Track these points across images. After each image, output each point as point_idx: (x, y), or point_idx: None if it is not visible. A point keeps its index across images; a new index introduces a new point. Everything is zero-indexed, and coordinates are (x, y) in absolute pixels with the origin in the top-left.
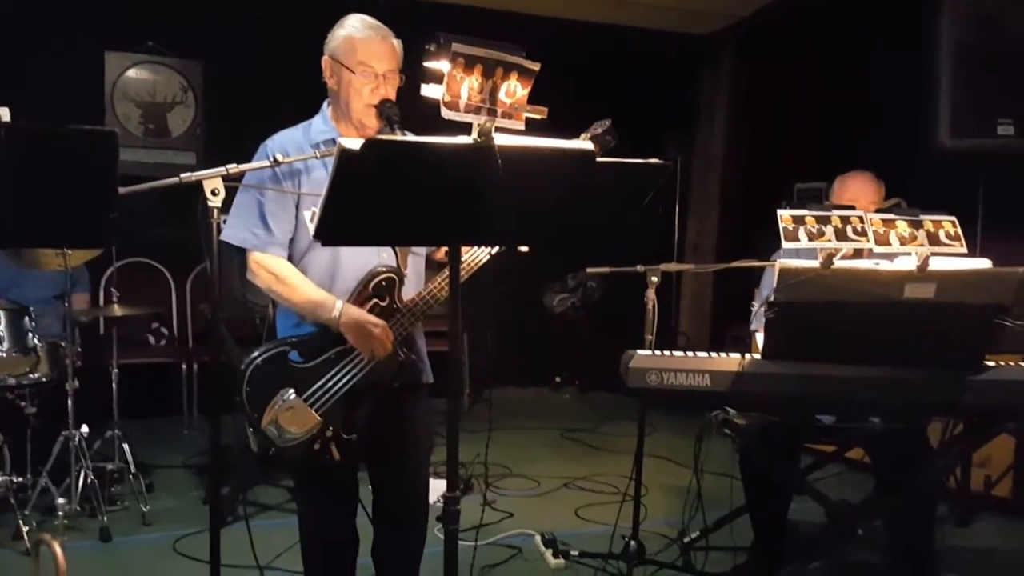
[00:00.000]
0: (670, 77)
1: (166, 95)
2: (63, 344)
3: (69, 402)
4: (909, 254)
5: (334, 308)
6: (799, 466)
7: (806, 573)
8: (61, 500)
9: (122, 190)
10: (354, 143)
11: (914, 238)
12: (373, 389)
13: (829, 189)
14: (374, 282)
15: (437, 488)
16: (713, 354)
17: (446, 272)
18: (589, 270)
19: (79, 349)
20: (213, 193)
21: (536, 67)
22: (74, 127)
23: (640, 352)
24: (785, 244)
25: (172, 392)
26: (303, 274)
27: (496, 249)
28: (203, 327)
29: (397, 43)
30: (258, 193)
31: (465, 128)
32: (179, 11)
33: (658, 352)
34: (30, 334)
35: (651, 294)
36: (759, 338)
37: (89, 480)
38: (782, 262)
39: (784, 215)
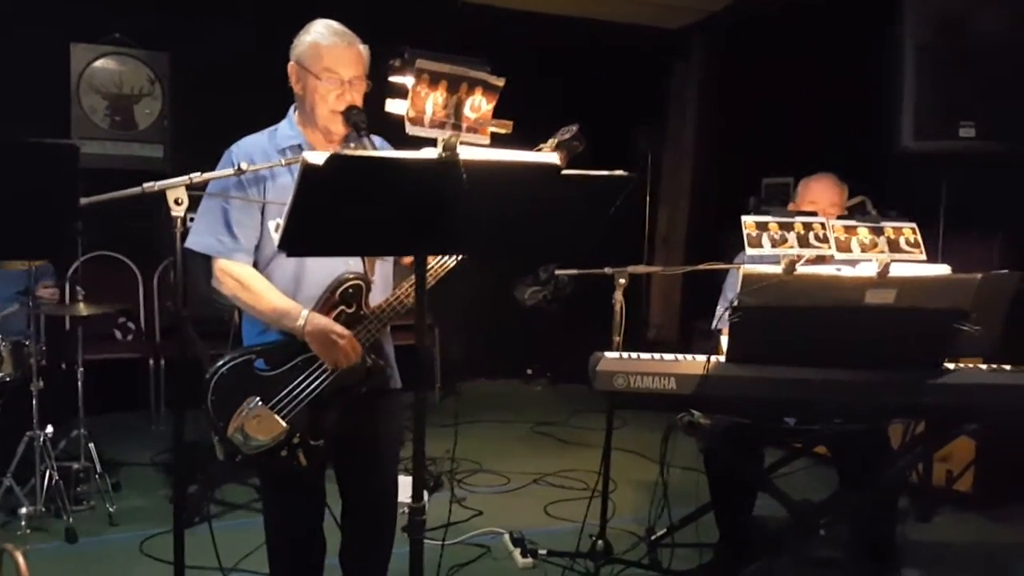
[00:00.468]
0: (642, 70)
1: (133, 87)
2: (27, 343)
3: (34, 403)
4: (870, 260)
5: (299, 317)
6: (763, 463)
7: (768, 571)
8: (24, 507)
9: (83, 201)
10: (318, 157)
11: (875, 245)
12: (341, 395)
13: (796, 185)
14: (341, 289)
15: (406, 485)
16: (679, 356)
17: (414, 278)
18: (558, 272)
19: (43, 347)
20: (176, 203)
21: (501, 82)
22: (35, 141)
23: (607, 354)
24: (748, 251)
25: (140, 387)
26: (268, 281)
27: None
28: (171, 322)
29: (364, 49)
30: (223, 199)
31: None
32: (146, 2)
33: (625, 355)
34: None
35: (618, 296)
36: (724, 340)
37: (54, 481)
38: (746, 267)
39: (748, 221)
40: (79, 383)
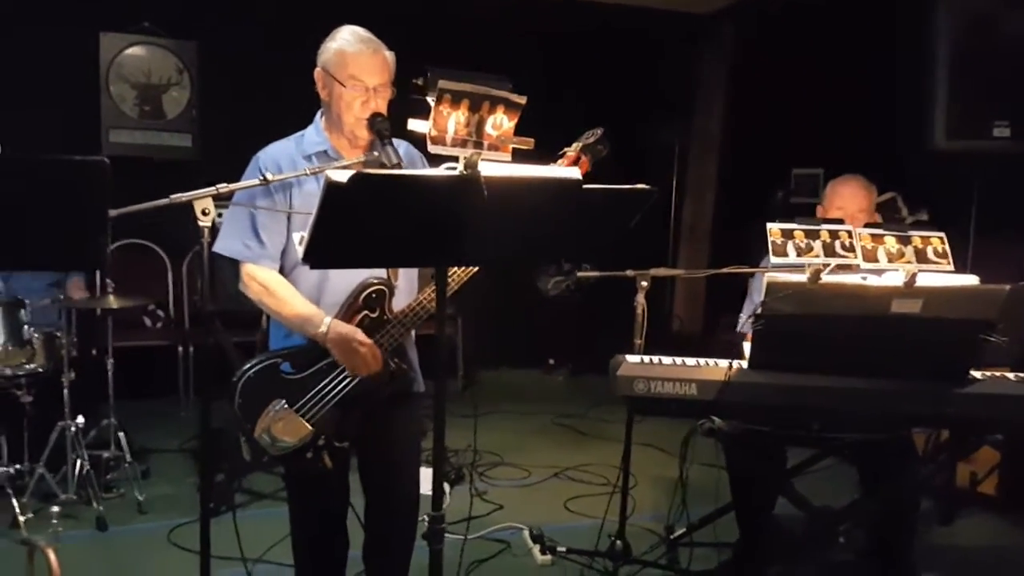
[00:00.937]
0: (669, 57)
1: (161, 76)
2: (59, 335)
3: (65, 393)
4: (897, 270)
5: (322, 324)
6: (786, 464)
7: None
8: (57, 496)
9: (113, 212)
10: (341, 175)
11: (902, 255)
12: (364, 398)
13: (825, 177)
14: (364, 294)
15: (427, 477)
16: (701, 361)
17: None
18: (579, 274)
19: (75, 339)
20: (204, 213)
21: (523, 100)
22: (66, 158)
23: (629, 358)
24: (773, 259)
25: (168, 374)
26: (293, 285)
27: None
28: (199, 317)
29: (390, 55)
30: (250, 204)
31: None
32: None
33: (646, 358)
34: (26, 327)
35: (640, 298)
36: (746, 346)
37: (85, 471)
38: (770, 275)
39: (773, 229)
40: (109, 373)
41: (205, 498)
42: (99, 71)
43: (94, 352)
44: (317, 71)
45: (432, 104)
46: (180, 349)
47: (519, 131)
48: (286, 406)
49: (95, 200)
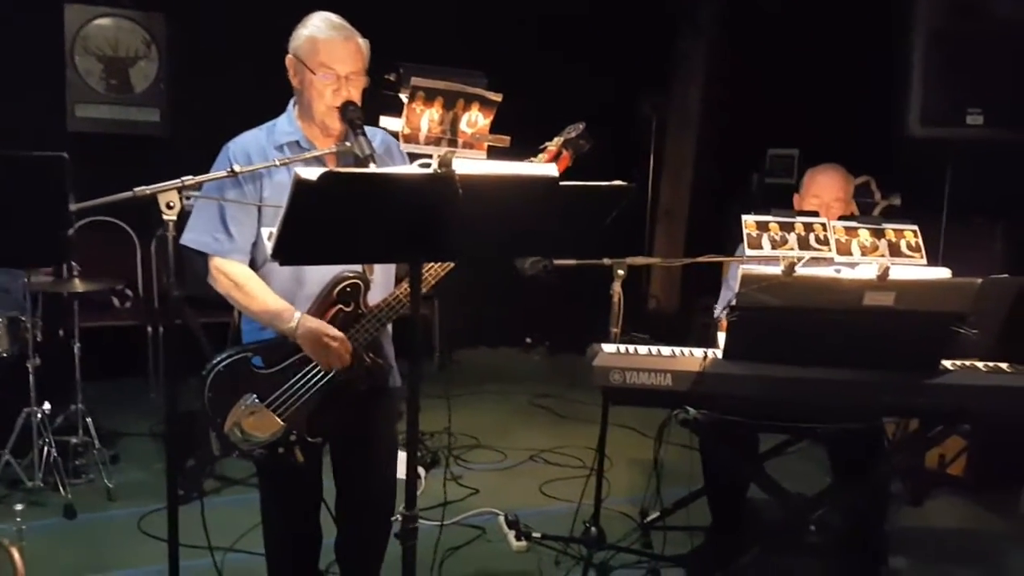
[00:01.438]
0: (649, 33)
1: (128, 49)
2: (23, 319)
3: (31, 379)
4: (870, 263)
5: (291, 319)
6: (759, 449)
7: (760, 562)
8: (23, 483)
9: (73, 207)
10: (310, 173)
11: (876, 248)
12: (338, 393)
13: (801, 157)
14: (338, 288)
15: (402, 461)
16: (676, 350)
17: None
18: (556, 261)
19: (40, 322)
20: (168, 206)
21: (498, 98)
22: (24, 154)
23: (605, 348)
24: (748, 251)
25: (138, 354)
26: (268, 278)
27: None
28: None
29: (363, 43)
30: (220, 195)
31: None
32: None
33: (622, 348)
34: None
35: (616, 287)
36: (720, 336)
37: (52, 458)
38: (745, 267)
39: (748, 221)
40: (76, 357)
41: (172, 490)
42: (64, 44)
43: (61, 334)
44: (288, 58)
45: (405, 101)
46: (149, 330)
47: (495, 128)
48: (257, 401)
49: (55, 195)
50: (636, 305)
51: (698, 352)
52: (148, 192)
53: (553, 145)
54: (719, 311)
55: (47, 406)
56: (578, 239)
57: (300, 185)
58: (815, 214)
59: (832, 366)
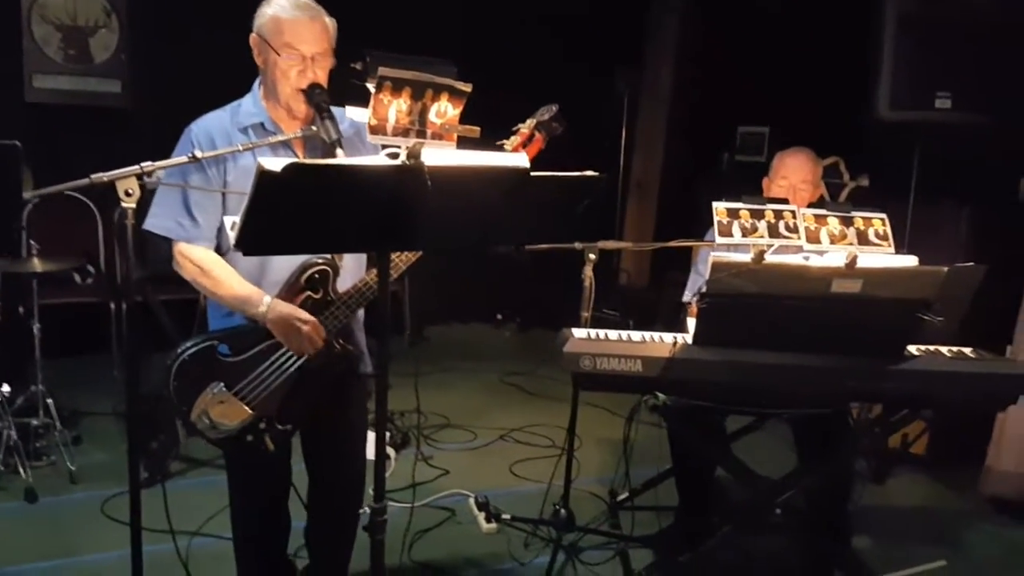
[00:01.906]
0: (622, 10)
1: (88, 18)
2: None
3: None
4: (839, 251)
5: (261, 303)
6: (725, 434)
7: (725, 541)
8: None
9: (27, 194)
10: (274, 164)
11: (844, 236)
12: (308, 381)
13: (771, 135)
14: (307, 274)
15: (372, 441)
16: (647, 336)
17: None
18: (527, 247)
19: None
20: (127, 194)
21: (468, 88)
22: None
23: (575, 333)
24: (718, 239)
25: (100, 331)
26: (233, 264)
27: None
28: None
29: (330, 22)
30: (183, 180)
31: None
32: None
33: (593, 333)
34: None
35: (588, 271)
36: (691, 322)
37: (12, 441)
38: (715, 254)
39: (719, 208)
40: (36, 339)
41: (134, 475)
42: (20, 12)
43: (21, 310)
44: (252, 37)
45: (372, 91)
46: (112, 306)
47: (468, 110)
48: (224, 389)
49: (8, 185)
50: (607, 280)
51: (668, 338)
52: (106, 179)
53: (526, 127)
54: (688, 296)
55: (6, 388)
56: (549, 227)
57: (264, 176)
58: (785, 200)
59: (800, 352)
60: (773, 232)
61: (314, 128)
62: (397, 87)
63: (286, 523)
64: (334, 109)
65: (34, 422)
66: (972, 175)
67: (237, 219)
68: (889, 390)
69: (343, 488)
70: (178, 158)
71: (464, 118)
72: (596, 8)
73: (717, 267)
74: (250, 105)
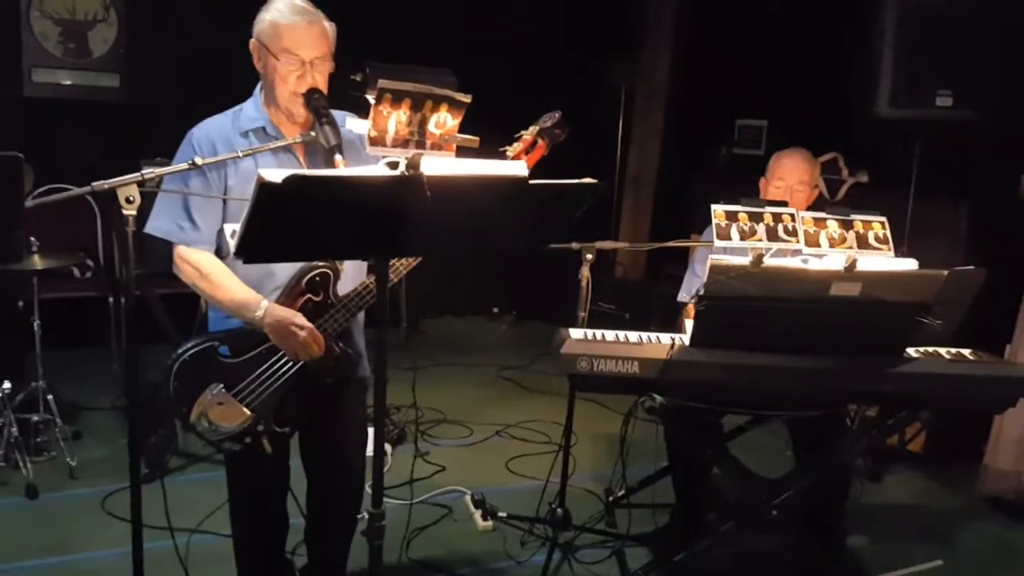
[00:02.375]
0: (618, 2)
1: (86, 12)
2: None
3: None
4: (839, 255)
5: (258, 308)
6: (722, 434)
7: (720, 542)
8: None
9: (29, 203)
10: (275, 175)
11: (844, 240)
12: (307, 383)
13: (769, 129)
14: (307, 278)
15: (370, 437)
16: (644, 336)
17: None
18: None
19: None
20: (128, 200)
21: (467, 99)
22: None
23: (572, 334)
24: (717, 242)
25: (99, 324)
26: (233, 267)
27: None
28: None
29: (329, 27)
30: (183, 184)
31: None
32: None
33: (589, 334)
34: None
35: (585, 271)
36: (688, 323)
37: (13, 438)
38: (713, 257)
39: (718, 211)
40: (36, 335)
41: (135, 476)
42: (19, 6)
43: (20, 305)
44: (252, 42)
45: (372, 103)
46: (111, 300)
47: (469, 116)
48: (224, 391)
49: (10, 195)
50: (603, 272)
51: (665, 339)
52: (107, 187)
53: (528, 134)
54: (685, 296)
55: (7, 385)
56: (547, 232)
57: (264, 187)
58: (783, 203)
59: (799, 354)
60: (772, 235)
61: (312, 134)
62: (397, 99)
63: (284, 522)
64: (335, 112)
65: (35, 418)
66: (972, 172)
67: (237, 227)
68: (887, 392)
69: (341, 490)
70: (179, 164)
71: (464, 121)
72: (591, 2)
73: (715, 270)
74: (251, 109)
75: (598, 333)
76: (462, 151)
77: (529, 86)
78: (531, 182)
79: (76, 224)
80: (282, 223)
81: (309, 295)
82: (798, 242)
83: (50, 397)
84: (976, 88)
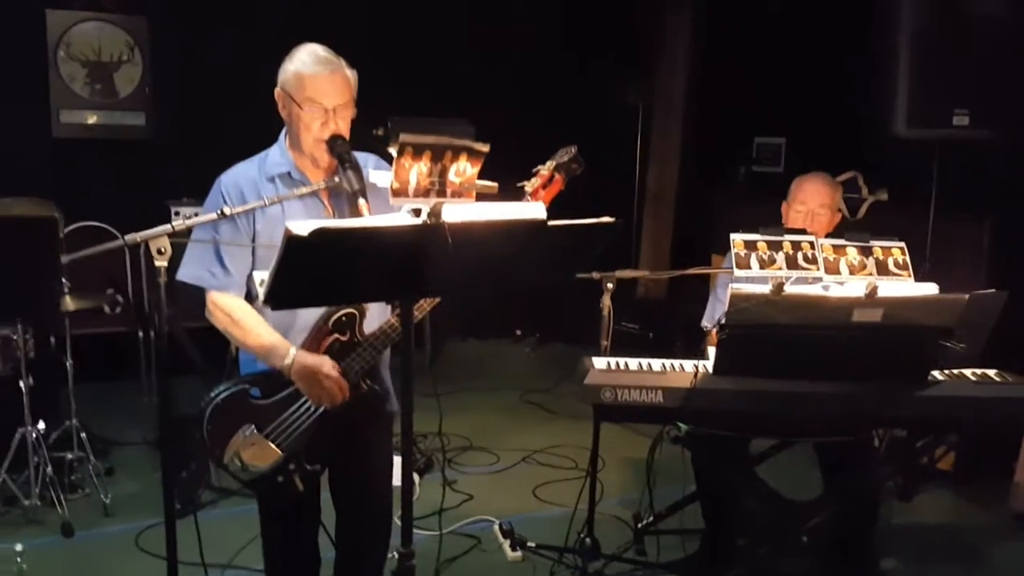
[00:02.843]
0: (635, 20)
1: (112, 53)
2: (15, 337)
3: (24, 400)
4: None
5: (286, 356)
6: (749, 456)
7: (750, 569)
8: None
9: (65, 258)
10: (301, 228)
11: (863, 266)
12: (335, 421)
13: (787, 147)
14: (334, 318)
15: (398, 466)
16: (667, 364)
17: None
18: None
19: (30, 338)
20: (159, 252)
21: (486, 148)
22: (19, 216)
23: (596, 364)
24: (737, 272)
25: (129, 358)
26: (263, 309)
27: None
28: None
29: (351, 74)
30: (214, 231)
31: None
32: None
33: (612, 363)
34: None
35: (606, 300)
36: (711, 350)
37: (47, 478)
38: (734, 286)
39: (737, 240)
40: (69, 375)
41: (170, 515)
42: (47, 49)
43: (53, 341)
44: (276, 91)
45: (393, 156)
46: (140, 333)
47: (485, 158)
48: (255, 431)
49: (46, 252)
50: (625, 292)
51: (688, 366)
52: (139, 239)
53: (546, 169)
54: (708, 322)
55: (41, 425)
56: (567, 269)
57: (291, 240)
58: (803, 231)
59: (822, 380)
60: (791, 263)
61: (337, 179)
62: (418, 151)
63: (316, 558)
64: (358, 154)
65: (69, 456)
66: (993, 188)
67: (266, 275)
68: (913, 416)
69: (370, 526)
70: (209, 214)
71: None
72: (608, 21)
73: (736, 298)
74: (277, 155)
75: (621, 362)
76: (482, 195)
77: (547, 111)
78: (550, 223)
79: (105, 258)
80: (309, 272)
81: (336, 335)
82: (818, 269)
83: (83, 435)
84: (992, 107)
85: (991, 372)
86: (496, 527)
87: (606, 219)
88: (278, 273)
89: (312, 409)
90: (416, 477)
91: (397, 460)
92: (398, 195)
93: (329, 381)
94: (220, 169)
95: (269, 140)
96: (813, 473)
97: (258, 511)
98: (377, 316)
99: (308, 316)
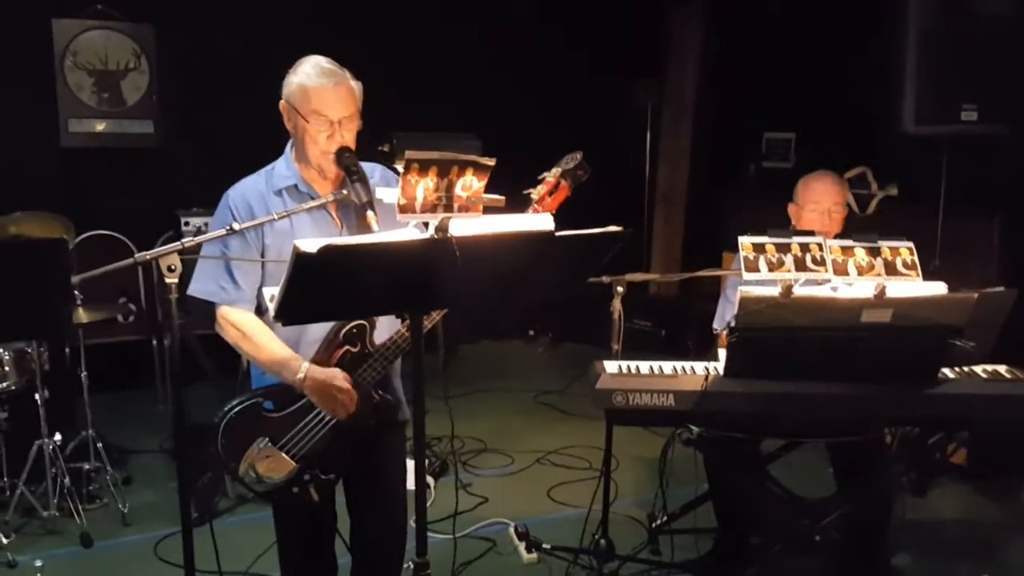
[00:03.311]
0: (643, 20)
1: (119, 61)
2: (29, 351)
3: (41, 412)
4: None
5: (298, 370)
6: (761, 457)
7: (763, 568)
8: (39, 512)
9: (75, 278)
10: (310, 246)
11: (872, 267)
12: (349, 431)
13: (797, 142)
14: (344, 331)
15: (411, 470)
16: (678, 367)
17: None
18: None
19: (45, 351)
20: (169, 269)
21: (491, 163)
22: (26, 239)
23: (607, 368)
24: (745, 275)
25: (143, 366)
26: (272, 323)
27: None
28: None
29: (356, 85)
30: (223, 246)
31: None
32: None
33: (624, 367)
34: None
35: (617, 304)
36: (721, 352)
37: (65, 489)
38: (743, 289)
39: (745, 243)
40: (84, 385)
41: (186, 523)
42: (53, 60)
43: (67, 351)
44: (282, 104)
45: (400, 172)
46: (154, 342)
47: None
48: (270, 444)
49: (57, 273)
50: (638, 291)
51: (699, 369)
52: (149, 257)
53: (551, 176)
54: (718, 324)
55: (58, 437)
56: (575, 278)
57: (300, 258)
58: (810, 233)
59: (833, 381)
60: (800, 265)
61: (345, 191)
62: (424, 168)
63: (333, 564)
64: (365, 165)
65: (86, 466)
66: (1003, 184)
67: (275, 291)
68: (924, 415)
69: (385, 534)
70: (217, 230)
71: (495, 155)
72: (616, 21)
73: (746, 302)
74: (283, 168)
75: (632, 366)
76: (489, 208)
77: (556, 113)
78: (557, 234)
79: (116, 270)
80: (318, 289)
81: (347, 347)
82: (826, 271)
83: (100, 445)
84: (1001, 103)
85: (1002, 368)
86: (511, 529)
87: (613, 228)
88: (287, 290)
89: (325, 420)
90: (431, 480)
91: (411, 465)
92: (405, 211)
93: (342, 394)
94: (228, 178)
95: (277, 146)
96: (825, 471)
97: (274, 521)
98: (387, 327)
99: (318, 328)
